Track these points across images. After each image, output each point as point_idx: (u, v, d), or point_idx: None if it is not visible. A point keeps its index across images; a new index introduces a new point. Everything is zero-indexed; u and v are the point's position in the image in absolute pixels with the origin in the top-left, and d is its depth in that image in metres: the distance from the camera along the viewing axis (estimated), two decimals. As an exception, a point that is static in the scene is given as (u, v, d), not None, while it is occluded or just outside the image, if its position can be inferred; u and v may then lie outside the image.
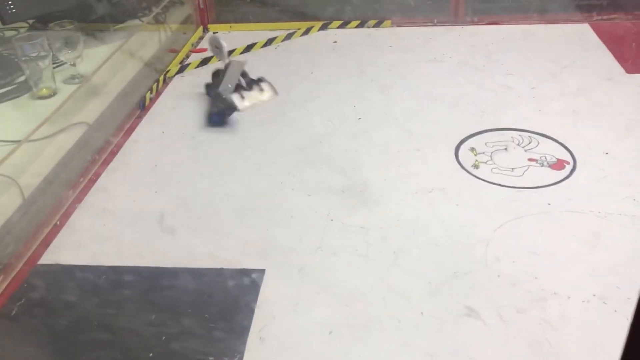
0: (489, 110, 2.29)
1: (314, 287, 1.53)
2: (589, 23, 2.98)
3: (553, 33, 2.93)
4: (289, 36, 3.05)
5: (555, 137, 2.09)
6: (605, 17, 3.02)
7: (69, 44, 2.25)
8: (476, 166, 1.95)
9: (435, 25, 3.08)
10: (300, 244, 1.68)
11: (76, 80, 2.26)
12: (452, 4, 3.08)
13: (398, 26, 3.10)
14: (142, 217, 1.83)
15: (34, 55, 2.12)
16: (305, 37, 3.07)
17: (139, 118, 2.40)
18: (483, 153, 2.03)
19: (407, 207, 1.80)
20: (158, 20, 2.85)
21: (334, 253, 1.64)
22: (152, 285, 1.57)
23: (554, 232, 1.67)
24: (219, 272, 1.58)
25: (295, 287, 1.53)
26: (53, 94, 2.17)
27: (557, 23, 3.01)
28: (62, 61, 2.29)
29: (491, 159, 1.99)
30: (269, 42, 2.99)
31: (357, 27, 3.12)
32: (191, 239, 1.73)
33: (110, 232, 1.78)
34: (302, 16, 3.19)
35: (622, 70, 2.53)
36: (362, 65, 2.68)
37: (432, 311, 1.43)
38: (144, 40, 2.71)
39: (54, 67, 2.27)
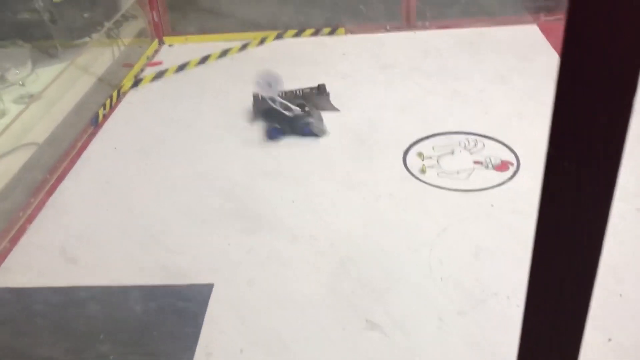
0: (437, 114, 2.34)
1: (262, 298, 1.55)
2: (537, 24, 3.06)
3: (502, 35, 3.00)
4: (244, 47, 3.07)
5: (500, 139, 2.15)
6: (552, 18, 3.10)
7: (18, 63, 2.25)
8: (423, 171, 1.99)
9: (388, 31, 3.13)
10: (249, 255, 1.70)
11: (26, 99, 2.25)
12: (403, 10, 3.13)
13: (352, 33, 3.14)
14: (91, 235, 1.83)
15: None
16: (260, 47, 3.09)
17: (92, 135, 2.40)
18: (430, 157, 2.07)
19: (355, 215, 1.83)
20: (110, 36, 2.84)
21: (283, 264, 1.67)
22: (109, 303, 1.57)
23: (496, 233, 1.71)
24: (167, 289, 1.59)
25: (244, 299, 1.55)
26: (2, 114, 2.16)
27: (506, 25, 3.08)
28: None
29: (438, 163, 2.04)
30: (224, 53, 3.01)
31: (311, 35, 3.15)
32: (141, 255, 1.73)
33: (61, 253, 1.77)
34: (257, 26, 3.21)
35: (567, 70, 2.59)
36: (316, 74, 2.71)
37: (377, 317, 1.46)
38: (97, 56, 2.70)
39: (3, 87, 2.26)
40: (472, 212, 1.80)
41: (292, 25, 3.17)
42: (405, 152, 2.11)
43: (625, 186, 1.80)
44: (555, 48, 2.81)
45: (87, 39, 2.62)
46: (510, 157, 2.04)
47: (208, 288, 1.58)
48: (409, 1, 3.11)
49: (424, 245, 1.68)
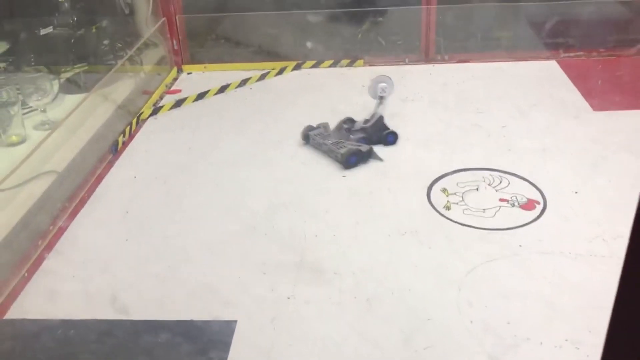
0: (459, 149, 2.32)
1: (286, 337, 1.51)
2: (556, 60, 3.06)
3: (522, 70, 3.00)
4: (263, 76, 3.07)
5: (525, 177, 2.12)
6: (571, 54, 3.11)
7: (40, 89, 2.24)
8: (448, 207, 1.97)
9: (406, 64, 3.13)
10: (272, 292, 1.66)
11: (46, 126, 2.24)
12: (422, 43, 3.14)
13: (370, 65, 3.14)
14: (111, 267, 1.80)
15: (2, 101, 2.11)
16: (279, 77, 3.09)
17: (111, 163, 2.38)
18: (455, 194, 2.05)
19: (379, 251, 1.80)
20: (132, 63, 2.85)
21: (306, 301, 1.63)
22: (125, 339, 1.54)
23: (526, 274, 1.68)
24: (189, 324, 1.56)
25: (268, 338, 1.51)
26: (23, 140, 2.15)
27: (525, 60, 3.08)
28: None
29: (463, 200, 2.01)
30: (243, 82, 3.01)
31: (330, 66, 3.16)
32: (161, 289, 1.70)
33: (79, 284, 1.74)
34: (276, 56, 3.22)
35: (588, 107, 2.59)
36: (335, 105, 2.70)
37: (405, 360, 1.42)
38: (118, 83, 2.70)
39: (24, 113, 2.25)
40: (500, 252, 1.76)
41: (311, 55, 3.18)
42: (429, 187, 2.08)
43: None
44: (575, 83, 2.81)
45: (111, 65, 2.63)
46: (536, 196, 2.01)
47: (231, 324, 1.54)
48: (428, 35, 3.12)
49: (451, 285, 1.64)
